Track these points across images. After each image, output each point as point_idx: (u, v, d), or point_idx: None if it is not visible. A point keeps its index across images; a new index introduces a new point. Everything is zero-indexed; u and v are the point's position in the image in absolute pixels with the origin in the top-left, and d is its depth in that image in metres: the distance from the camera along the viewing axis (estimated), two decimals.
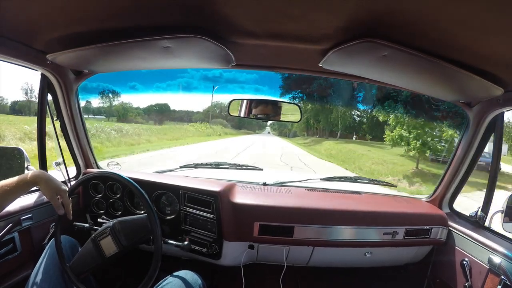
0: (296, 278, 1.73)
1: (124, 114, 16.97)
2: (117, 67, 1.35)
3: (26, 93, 14.91)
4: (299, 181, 1.66)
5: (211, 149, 12.85)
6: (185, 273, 1.06)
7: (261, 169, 1.76)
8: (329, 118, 18.68)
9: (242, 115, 1.38)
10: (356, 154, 13.52)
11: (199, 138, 16.97)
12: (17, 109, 14.21)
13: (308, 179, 1.68)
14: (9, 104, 14.38)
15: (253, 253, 1.41)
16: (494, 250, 1.14)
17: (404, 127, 9.67)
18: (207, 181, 1.44)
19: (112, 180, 1.38)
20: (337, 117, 18.15)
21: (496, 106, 1.19)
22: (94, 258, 1.05)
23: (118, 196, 1.41)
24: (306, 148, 16.83)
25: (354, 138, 18.13)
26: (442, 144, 9.43)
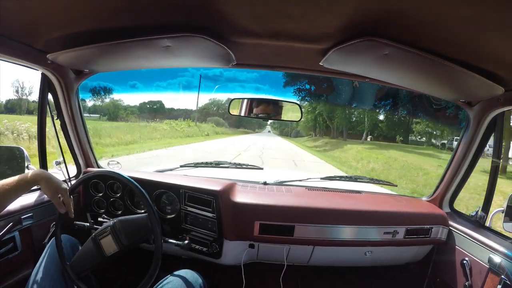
0: (296, 277, 1.73)
1: (114, 112, 15.46)
2: (118, 67, 1.35)
3: (17, 91, 14.43)
4: (300, 180, 1.66)
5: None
6: (185, 272, 1.06)
7: (262, 168, 1.77)
8: (347, 114, 15.20)
9: (242, 114, 1.38)
10: (431, 174, 7.64)
11: (172, 140, 11.92)
12: (9, 107, 13.67)
13: (308, 178, 1.68)
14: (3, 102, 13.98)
15: (253, 252, 1.42)
16: (495, 250, 1.14)
17: None
18: (208, 180, 1.44)
19: (112, 179, 1.38)
20: (362, 112, 14.55)
21: (496, 105, 1.18)
22: (94, 257, 1.05)
23: (118, 195, 1.41)
24: (322, 156, 11.49)
25: (369, 139, 15.12)
26: None
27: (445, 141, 13.32)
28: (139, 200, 1.39)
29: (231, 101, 1.40)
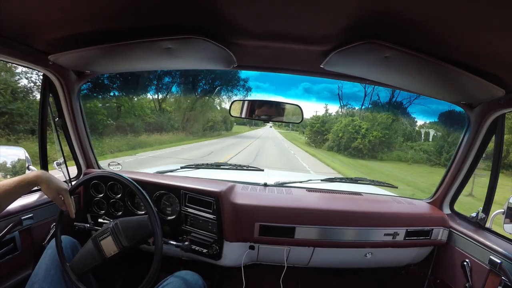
0: (296, 278, 1.73)
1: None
2: (119, 68, 1.35)
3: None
4: (300, 182, 1.66)
5: None
6: (185, 273, 1.06)
7: (262, 170, 1.76)
8: None
9: (243, 116, 1.38)
10: None
11: None
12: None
13: (308, 180, 1.68)
14: None
15: (253, 253, 1.41)
16: (495, 251, 1.14)
17: None
18: (208, 182, 1.44)
19: (113, 181, 1.38)
20: None
21: (497, 107, 1.19)
22: (94, 258, 1.05)
23: (119, 196, 1.41)
24: None
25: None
26: None
27: None
28: (140, 201, 1.39)
29: (232, 102, 1.41)
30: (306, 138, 16.82)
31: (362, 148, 12.67)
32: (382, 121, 13.21)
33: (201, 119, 15.97)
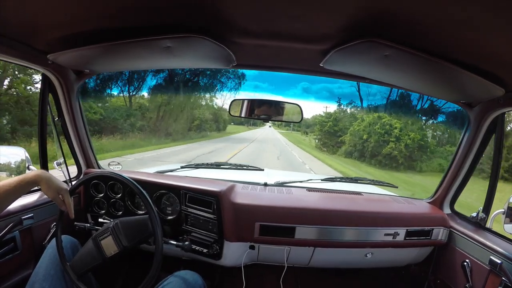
0: (296, 278, 1.73)
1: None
2: (118, 67, 1.35)
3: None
4: (300, 182, 1.66)
5: None
6: (185, 273, 1.06)
7: (262, 170, 1.76)
8: None
9: (243, 115, 1.38)
10: None
11: None
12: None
13: (309, 180, 1.68)
14: None
15: (254, 253, 1.41)
16: (495, 251, 1.14)
17: None
18: (208, 181, 1.44)
19: (113, 180, 1.38)
20: None
21: (497, 106, 1.18)
22: (94, 257, 1.05)
23: (119, 196, 1.41)
24: None
25: None
26: None
27: None
28: (140, 201, 1.39)
29: (232, 102, 1.40)
30: (316, 140, 13.58)
31: (397, 156, 9.15)
32: (416, 119, 9.90)
33: (182, 118, 12.51)
